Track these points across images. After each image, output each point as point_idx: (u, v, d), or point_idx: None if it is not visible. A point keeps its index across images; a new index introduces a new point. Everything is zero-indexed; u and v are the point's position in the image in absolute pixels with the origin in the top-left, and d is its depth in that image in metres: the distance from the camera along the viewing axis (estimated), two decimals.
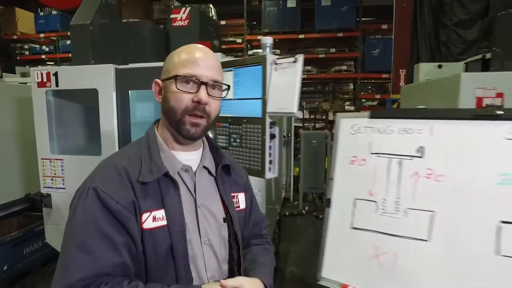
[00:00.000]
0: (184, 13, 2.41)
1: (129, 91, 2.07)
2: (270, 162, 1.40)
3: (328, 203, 1.42)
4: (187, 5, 2.42)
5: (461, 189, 1.21)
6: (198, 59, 0.88)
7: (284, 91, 1.29)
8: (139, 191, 0.84)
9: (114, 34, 2.23)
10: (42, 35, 7.40)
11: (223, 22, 6.94)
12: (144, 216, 0.83)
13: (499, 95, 1.58)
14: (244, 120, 1.48)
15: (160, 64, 1.00)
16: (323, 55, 6.52)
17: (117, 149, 2.03)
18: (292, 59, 1.29)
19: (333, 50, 6.60)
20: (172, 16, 2.45)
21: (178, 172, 0.91)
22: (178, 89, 0.86)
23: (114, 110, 2.01)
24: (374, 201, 1.36)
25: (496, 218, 1.15)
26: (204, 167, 0.98)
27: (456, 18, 4.53)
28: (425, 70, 2.88)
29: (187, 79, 0.86)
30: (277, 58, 1.31)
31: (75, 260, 0.77)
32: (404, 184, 1.29)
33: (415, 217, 1.26)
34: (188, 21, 2.41)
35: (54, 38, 7.37)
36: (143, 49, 2.37)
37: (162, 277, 0.85)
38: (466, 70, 2.84)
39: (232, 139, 1.57)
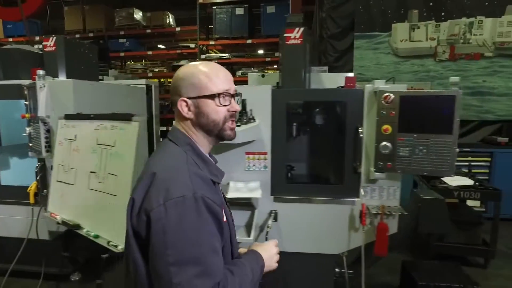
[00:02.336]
0: (51, 41, 3.12)
1: None
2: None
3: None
4: (53, 35, 3.15)
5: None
6: (224, 76, 1.03)
7: None
8: (216, 192, 0.99)
9: None
10: (10, 39, 8.01)
11: (178, 29, 7.54)
12: (223, 211, 0.98)
13: None
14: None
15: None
16: (269, 59, 7.08)
17: None
18: (41, 84, 2.08)
19: (277, 54, 7.13)
20: (43, 43, 3.16)
21: None
22: (220, 104, 1.00)
23: None
24: (62, 165, 2.32)
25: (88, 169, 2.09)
26: None
27: (330, 31, 5.26)
28: (252, 78, 3.55)
29: (227, 95, 1.01)
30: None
31: (214, 263, 0.86)
32: (72, 154, 2.22)
33: (70, 171, 2.25)
34: (55, 47, 3.11)
35: (22, 42, 7.86)
36: (16, 69, 3.12)
37: (227, 256, 1.02)
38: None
39: None
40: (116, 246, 1.66)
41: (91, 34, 7.54)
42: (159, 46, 8.78)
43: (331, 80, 3.23)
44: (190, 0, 6.94)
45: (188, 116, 1.02)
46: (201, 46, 7.06)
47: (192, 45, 7.57)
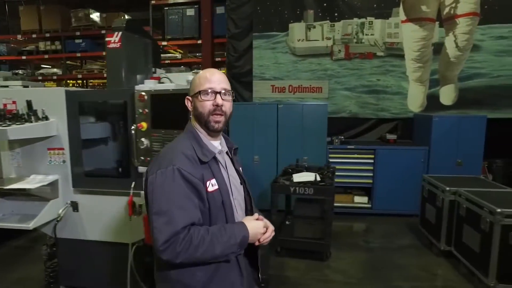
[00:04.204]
0: None
1: None
2: None
3: None
4: None
5: None
6: (211, 77, 1.30)
7: None
8: (202, 168, 1.25)
9: None
10: None
11: None
12: (207, 183, 1.24)
13: (14, 102, 2.58)
14: None
15: None
16: (219, 59, 7.10)
17: None
18: None
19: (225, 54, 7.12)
20: None
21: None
22: (202, 99, 1.29)
23: None
24: None
25: None
26: (227, 151, 1.44)
27: (230, 32, 5.48)
28: None
29: (206, 91, 1.28)
30: None
31: (177, 215, 1.14)
32: None
33: None
34: None
35: None
36: None
37: (219, 218, 1.28)
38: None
39: None
40: None
41: (47, 35, 7.66)
42: None
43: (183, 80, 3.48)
44: (147, 1, 7.02)
45: (191, 110, 1.36)
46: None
47: None
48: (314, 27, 5.27)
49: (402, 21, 5.05)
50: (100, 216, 2.67)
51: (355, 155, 4.83)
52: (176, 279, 1.24)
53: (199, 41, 6.97)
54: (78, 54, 7.82)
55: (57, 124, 2.61)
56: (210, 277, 1.25)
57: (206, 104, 1.28)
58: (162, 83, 2.70)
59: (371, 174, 4.81)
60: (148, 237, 2.46)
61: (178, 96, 2.21)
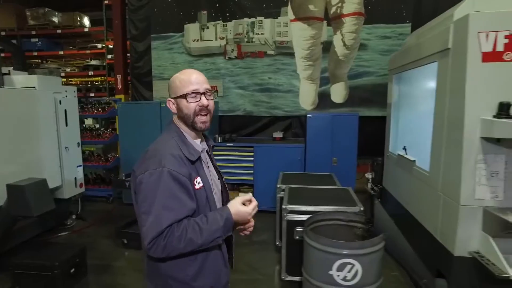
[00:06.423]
0: None
1: None
2: None
3: None
4: None
5: None
6: (192, 78, 1.36)
7: None
8: (189, 167, 1.33)
9: None
10: None
11: (86, 29, 8.01)
12: (194, 181, 1.33)
13: None
14: None
15: None
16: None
17: None
18: None
19: None
20: None
21: None
22: (188, 101, 1.34)
23: None
24: None
25: None
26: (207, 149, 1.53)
27: (131, 33, 5.72)
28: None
29: (192, 94, 1.34)
30: None
31: (163, 215, 1.22)
32: None
33: None
34: None
35: None
36: None
37: (205, 212, 1.35)
38: None
39: None
40: None
41: (3, 33, 7.89)
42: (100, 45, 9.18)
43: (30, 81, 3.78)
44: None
45: (174, 111, 1.40)
46: (110, 46, 7.47)
47: (100, 46, 7.93)
48: (208, 27, 5.44)
49: (291, 20, 5.17)
50: None
51: (236, 153, 4.98)
52: (166, 275, 1.35)
53: None
54: (35, 53, 8.03)
55: None
56: (199, 270, 1.36)
57: (192, 106, 1.34)
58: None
59: (252, 171, 4.96)
60: None
61: None
